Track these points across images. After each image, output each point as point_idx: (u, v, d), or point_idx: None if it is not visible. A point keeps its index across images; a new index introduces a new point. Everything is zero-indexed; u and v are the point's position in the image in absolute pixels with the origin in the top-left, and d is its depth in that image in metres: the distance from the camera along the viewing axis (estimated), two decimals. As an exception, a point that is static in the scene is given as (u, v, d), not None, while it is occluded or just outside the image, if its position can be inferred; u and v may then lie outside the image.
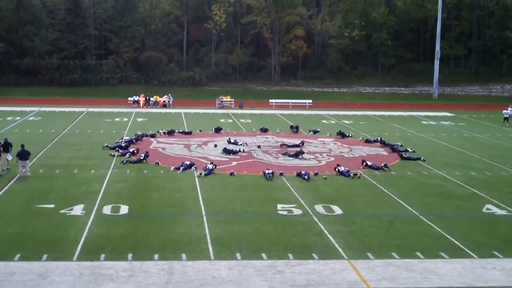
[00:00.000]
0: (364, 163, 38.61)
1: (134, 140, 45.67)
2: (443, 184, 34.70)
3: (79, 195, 29.77)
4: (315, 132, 53.96)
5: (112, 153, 40.84)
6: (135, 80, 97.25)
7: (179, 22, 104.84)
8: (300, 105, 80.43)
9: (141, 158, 38.48)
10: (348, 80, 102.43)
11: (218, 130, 53.50)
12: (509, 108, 66.42)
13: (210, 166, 35.78)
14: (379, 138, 49.70)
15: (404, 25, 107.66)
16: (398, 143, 46.89)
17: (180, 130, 52.40)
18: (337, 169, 36.43)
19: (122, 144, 43.52)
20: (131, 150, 41.47)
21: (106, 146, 43.40)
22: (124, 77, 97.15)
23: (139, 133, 49.02)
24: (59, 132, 51.44)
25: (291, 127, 55.94)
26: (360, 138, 51.05)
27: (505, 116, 65.33)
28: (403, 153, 42.78)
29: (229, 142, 45.96)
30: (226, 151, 42.52)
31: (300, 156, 41.65)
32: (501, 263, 21.64)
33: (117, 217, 26.34)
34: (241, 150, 43.44)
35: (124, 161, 38.22)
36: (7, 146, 34.89)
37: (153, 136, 49.61)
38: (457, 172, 37.86)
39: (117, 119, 62.00)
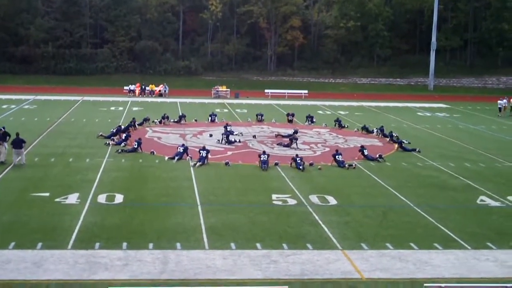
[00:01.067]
0: (361, 151, 38.63)
1: (128, 127, 45.61)
2: (437, 175, 34.80)
3: (74, 184, 29.75)
4: (311, 120, 54.01)
5: (107, 142, 40.80)
6: (130, 69, 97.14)
7: (175, 11, 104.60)
8: (296, 96, 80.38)
9: (135, 146, 38.45)
10: (344, 71, 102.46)
11: (212, 116, 53.68)
12: (504, 99, 66.90)
13: (203, 154, 35.67)
14: (377, 128, 49.23)
15: (400, 16, 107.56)
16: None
17: (175, 120, 52.45)
18: (336, 157, 36.34)
19: (114, 131, 43.55)
20: (123, 136, 41.45)
21: (101, 135, 43.38)
22: (120, 66, 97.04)
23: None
24: (54, 120, 51.36)
25: (288, 114, 56.12)
26: (356, 129, 51.06)
27: (499, 106, 65.93)
28: (402, 143, 42.69)
29: (225, 128, 45.56)
30: (228, 141, 42.53)
31: (294, 143, 41.71)
32: (494, 254, 21.74)
33: (112, 206, 26.35)
34: (237, 140, 43.50)
35: (119, 150, 38.19)
36: (4, 136, 34.69)
37: (146, 120, 50.33)
38: (451, 163, 37.96)
39: (113, 108, 61.94)
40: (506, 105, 66.81)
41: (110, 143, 40.46)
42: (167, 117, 51.88)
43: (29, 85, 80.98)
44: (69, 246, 21.07)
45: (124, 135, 41.83)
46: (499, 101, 66.85)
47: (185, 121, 52.29)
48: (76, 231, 22.65)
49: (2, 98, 66.01)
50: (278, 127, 51.35)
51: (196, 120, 53.45)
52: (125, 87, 78.09)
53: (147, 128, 48.30)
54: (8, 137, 34.81)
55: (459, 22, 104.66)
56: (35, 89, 76.21)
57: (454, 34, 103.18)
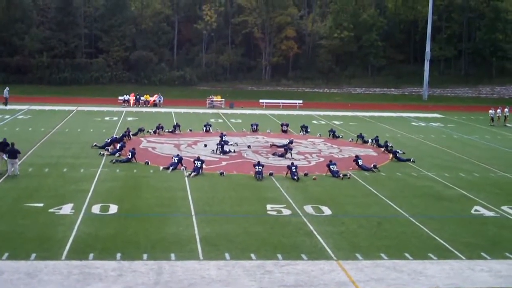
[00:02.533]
0: (355, 161, 38.62)
1: (123, 137, 45.45)
2: (432, 185, 34.83)
3: (68, 194, 29.69)
4: (306, 130, 54.06)
5: (102, 152, 40.77)
6: (125, 79, 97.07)
7: (170, 21, 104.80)
8: (291, 106, 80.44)
9: (129, 156, 38.40)
10: (338, 81, 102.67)
11: (207, 126, 53.62)
12: (498, 110, 67.19)
13: (198, 164, 35.58)
14: (372, 139, 49.22)
15: (395, 26, 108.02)
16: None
17: (170, 130, 52.38)
18: (330, 167, 36.30)
19: (108, 141, 43.45)
20: (117, 146, 41.39)
21: (95, 145, 43.33)
22: (114, 76, 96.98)
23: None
24: (48, 130, 51.26)
25: (282, 124, 56.17)
26: (351, 139, 51.05)
27: (491, 116, 66.28)
28: (396, 153, 42.68)
29: (221, 138, 45.40)
30: (223, 151, 42.48)
31: (289, 153, 41.72)
32: (488, 264, 21.76)
33: (106, 217, 26.29)
34: (232, 150, 43.47)
35: (114, 160, 38.15)
36: (4, 146, 34.52)
37: (141, 130, 50.15)
38: (446, 173, 38.02)
39: (107, 118, 61.87)
40: (500, 114, 67.09)
41: (105, 153, 40.42)
42: (162, 127, 51.86)
43: (23, 95, 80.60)
44: (63, 257, 21.00)
45: (118, 145, 41.80)
46: (490, 111, 67.19)
47: (180, 131, 52.28)
48: (70, 241, 22.59)
49: (-4, 108, 65.94)
50: (273, 137, 51.37)
51: (191, 130, 53.43)
52: (120, 97, 77.93)
53: (142, 138, 48.23)
54: (7, 147, 34.63)
55: (453, 32, 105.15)
56: (29, 99, 75.92)
57: (448, 44, 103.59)
